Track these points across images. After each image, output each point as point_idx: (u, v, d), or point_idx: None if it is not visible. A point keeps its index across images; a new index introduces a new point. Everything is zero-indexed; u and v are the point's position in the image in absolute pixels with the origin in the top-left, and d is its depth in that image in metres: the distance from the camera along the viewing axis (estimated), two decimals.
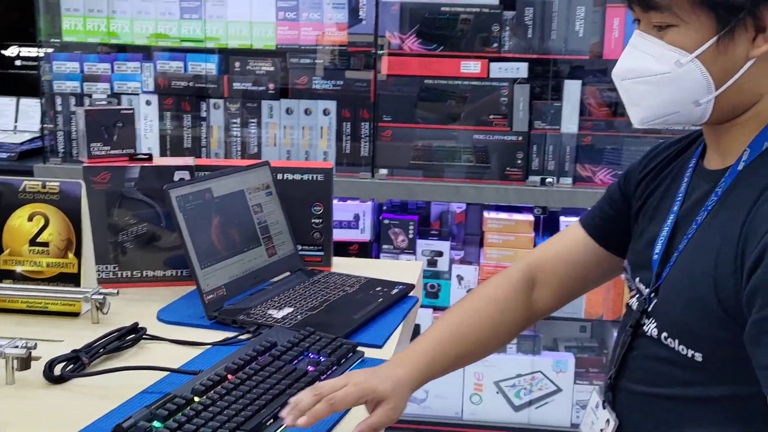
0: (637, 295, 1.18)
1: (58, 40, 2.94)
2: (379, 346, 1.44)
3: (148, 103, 2.91)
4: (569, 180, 2.79)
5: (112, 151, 1.70)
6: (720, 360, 1.03)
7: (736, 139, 1.08)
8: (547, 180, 2.79)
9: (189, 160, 1.75)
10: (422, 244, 2.94)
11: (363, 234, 2.94)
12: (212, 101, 2.90)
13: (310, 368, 1.27)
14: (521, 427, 2.95)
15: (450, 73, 2.79)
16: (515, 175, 2.81)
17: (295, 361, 1.29)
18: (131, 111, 1.73)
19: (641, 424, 1.13)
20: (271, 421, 1.12)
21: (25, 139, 3.12)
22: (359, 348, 1.38)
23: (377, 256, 2.92)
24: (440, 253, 2.93)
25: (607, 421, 1.17)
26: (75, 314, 1.55)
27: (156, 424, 1.07)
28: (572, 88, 2.77)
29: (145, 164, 1.69)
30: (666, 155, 1.24)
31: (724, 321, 1.01)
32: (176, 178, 1.70)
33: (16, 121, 3.25)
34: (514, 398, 2.95)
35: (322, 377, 1.26)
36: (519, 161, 2.81)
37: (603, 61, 2.77)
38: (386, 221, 2.93)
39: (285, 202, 1.78)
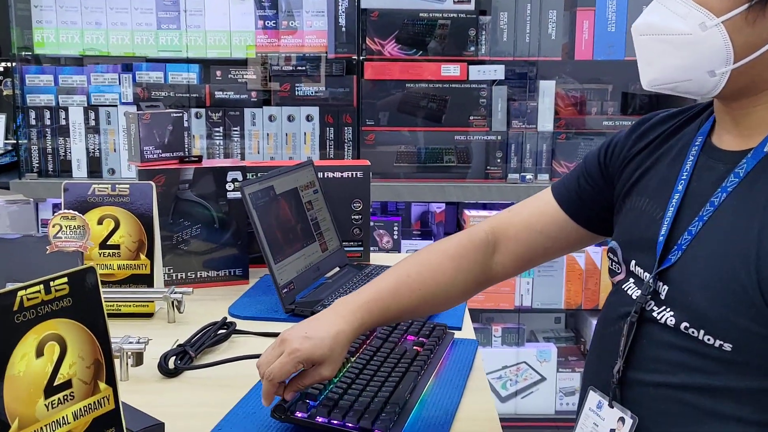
0: (633, 280, 1.09)
1: (30, 53, 2.88)
2: (459, 328, 1.51)
3: (140, 108, 2.87)
4: (546, 176, 2.93)
5: (164, 154, 1.71)
6: (751, 351, 0.94)
7: (760, 121, 1.01)
8: (527, 177, 2.91)
9: (238, 161, 1.77)
10: (406, 244, 3.02)
11: None
12: (194, 110, 2.90)
13: (418, 348, 1.33)
14: (509, 417, 3.05)
15: (430, 76, 2.89)
16: (496, 173, 2.93)
17: (401, 342, 1.35)
18: (181, 114, 1.74)
19: (660, 418, 1.02)
20: (410, 395, 1.17)
21: None
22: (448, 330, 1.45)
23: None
24: None
25: (621, 419, 1.05)
26: (149, 315, 1.55)
27: (310, 401, 1.11)
28: (546, 89, 2.92)
29: (198, 166, 1.71)
30: (663, 130, 1.16)
31: (763, 315, 0.92)
32: (229, 178, 1.72)
33: None
34: (500, 389, 3.06)
35: (432, 355, 1.32)
36: (499, 160, 2.93)
37: (574, 63, 2.92)
38: (372, 223, 2.99)
39: (328, 200, 1.83)
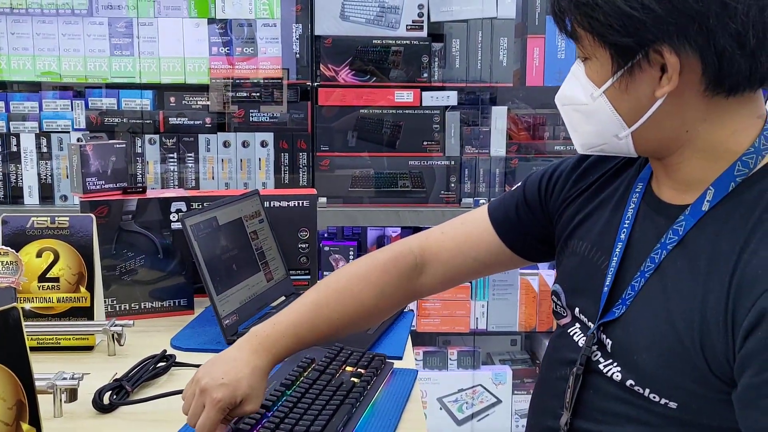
0: (579, 326, 1.10)
1: None
2: (400, 358, 1.52)
3: (79, 140, 2.86)
4: None
5: (107, 185, 1.71)
6: (696, 410, 0.96)
7: (691, 175, 1.01)
8: (480, 201, 2.94)
9: (182, 192, 1.77)
10: None
11: None
12: (148, 137, 2.89)
13: (354, 380, 1.34)
14: None
15: (384, 102, 2.91)
16: (450, 198, 2.95)
17: (339, 374, 1.35)
18: (124, 145, 1.74)
19: None
20: (342, 428, 1.18)
21: None
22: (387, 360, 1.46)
23: None
24: None
25: None
26: (89, 348, 1.55)
27: None
28: (498, 114, 2.95)
29: (142, 197, 1.71)
30: (603, 172, 1.16)
31: (707, 378, 0.93)
32: (173, 209, 1.72)
33: None
34: (456, 413, 3.07)
35: (369, 387, 1.33)
36: (453, 184, 2.95)
37: (525, 88, 2.96)
38: (326, 248, 3.00)
39: (274, 229, 1.83)
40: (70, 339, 1.53)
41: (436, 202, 2.95)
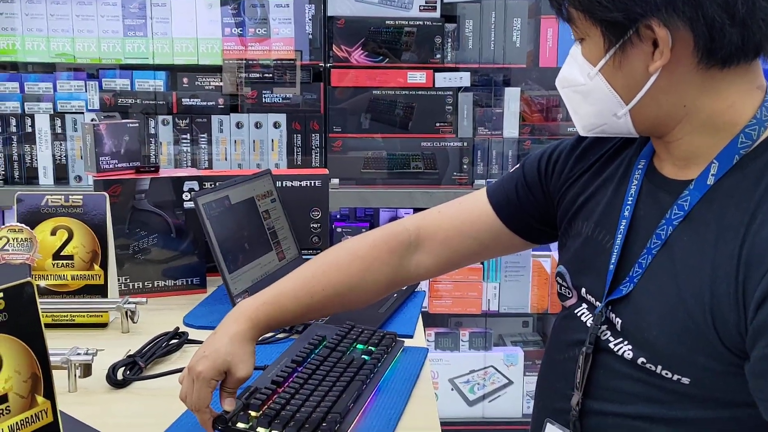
0: (586, 306, 1.09)
1: None
2: (411, 336, 1.53)
3: (93, 120, 2.87)
4: None
5: (120, 164, 1.72)
6: (708, 385, 0.96)
7: (692, 150, 1.01)
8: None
9: (195, 171, 1.78)
10: None
11: None
12: (161, 117, 2.90)
13: (365, 357, 1.34)
14: (476, 421, 3.08)
15: (397, 83, 2.91)
16: (462, 179, 2.95)
17: (350, 352, 1.36)
18: (136, 124, 1.75)
19: None
20: (352, 404, 1.19)
21: None
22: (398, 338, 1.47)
23: None
24: None
25: None
26: (103, 325, 1.56)
27: (251, 413, 1.12)
28: (511, 95, 2.94)
29: (155, 176, 1.72)
30: (603, 152, 1.15)
31: (719, 352, 0.93)
32: (186, 188, 1.73)
33: None
34: (468, 393, 3.08)
35: (379, 365, 1.34)
36: (465, 166, 2.95)
37: (539, 70, 2.95)
38: (339, 229, 3.00)
39: (286, 209, 1.84)
40: (84, 316, 1.55)
41: (449, 184, 2.95)
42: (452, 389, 3.07)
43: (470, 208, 1.25)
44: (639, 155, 1.09)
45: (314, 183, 1.88)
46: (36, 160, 2.89)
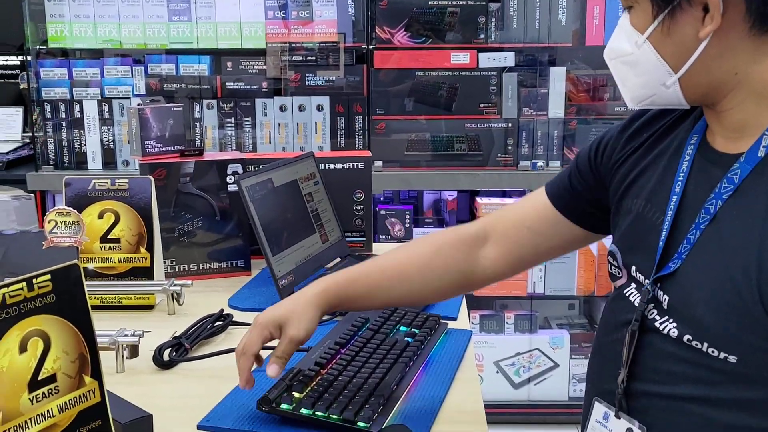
0: (635, 286, 1.07)
1: (44, 47, 2.92)
2: (455, 318, 1.52)
3: (139, 104, 2.91)
4: (558, 163, 2.92)
5: (165, 148, 1.74)
6: (756, 363, 0.93)
7: (744, 120, 0.98)
8: (538, 164, 2.91)
9: (239, 154, 1.79)
10: (418, 233, 3.03)
11: None
12: (205, 102, 2.92)
13: (408, 339, 1.34)
14: (521, 404, 3.06)
15: (440, 64, 2.89)
16: (507, 161, 2.92)
17: (393, 334, 1.36)
18: (180, 108, 1.77)
19: (667, 428, 1.01)
20: (396, 386, 1.19)
21: (10, 148, 3.08)
22: (441, 320, 1.46)
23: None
24: None
25: (629, 430, 1.04)
26: (149, 307, 1.58)
27: (295, 394, 1.13)
28: (557, 75, 2.90)
29: (199, 159, 1.73)
30: (656, 129, 1.13)
31: (766, 330, 0.91)
32: (229, 171, 1.74)
33: None
34: (513, 376, 3.07)
35: (422, 347, 1.34)
36: (510, 147, 2.92)
37: (585, 48, 2.90)
38: (382, 212, 3.00)
39: (329, 191, 1.84)
40: (131, 298, 1.57)
41: (493, 165, 2.92)
42: (497, 372, 3.06)
43: (530, 202, 1.26)
44: (692, 130, 1.06)
45: (357, 165, 1.88)
46: (85, 145, 2.94)
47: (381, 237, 3.01)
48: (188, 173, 1.72)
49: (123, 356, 1.30)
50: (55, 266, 0.97)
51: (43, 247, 1.26)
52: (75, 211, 1.26)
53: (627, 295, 1.07)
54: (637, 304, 1.04)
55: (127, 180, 1.57)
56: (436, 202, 3.14)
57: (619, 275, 1.11)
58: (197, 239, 1.75)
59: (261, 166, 1.70)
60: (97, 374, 1.00)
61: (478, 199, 3.03)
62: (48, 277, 0.95)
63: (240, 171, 1.74)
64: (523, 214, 1.24)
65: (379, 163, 2.91)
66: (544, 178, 2.83)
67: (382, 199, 3.12)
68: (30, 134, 2.98)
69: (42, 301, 0.95)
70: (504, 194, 3.06)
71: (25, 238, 1.29)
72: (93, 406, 1.00)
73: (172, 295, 1.54)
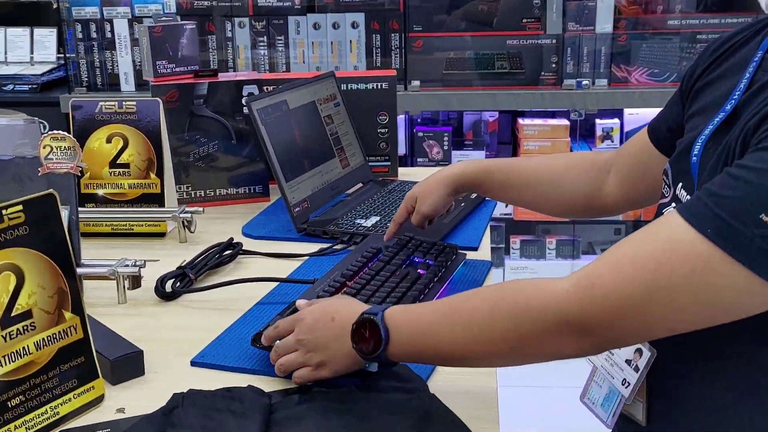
0: (674, 205, 1.00)
1: None
2: (475, 248, 1.44)
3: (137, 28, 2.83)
4: (605, 82, 2.77)
5: (177, 69, 1.66)
6: None
7: None
8: (583, 83, 2.76)
9: (254, 74, 1.71)
10: (457, 155, 2.93)
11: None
12: (237, 20, 2.83)
13: (421, 271, 1.27)
14: None
15: None
16: (550, 80, 2.78)
17: (405, 265, 1.29)
18: (194, 25, 1.68)
19: (675, 353, 0.98)
20: None
21: (45, 70, 3.05)
22: (460, 250, 1.38)
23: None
24: None
25: (638, 350, 1.01)
26: (161, 234, 1.54)
27: None
28: None
29: (213, 80, 1.65)
30: (728, 47, 1.07)
31: None
32: (245, 92, 1.66)
33: (32, 53, 3.17)
34: None
35: (435, 279, 1.26)
36: (553, 65, 2.77)
37: None
38: (420, 134, 2.91)
39: (351, 113, 1.75)
40: (142, 225, 1.52)
41: (536, 84, 2.78)
42: None
43: (635, 137, 1.23)
44: (759, 47, 0.98)
45: (381, 85, 1.78)
46: (117, 66, 2.88)
47: (418, 160, 2.92)
48: (202, 95, 1.65)
49: (124, 287, 1.25)
50: (29, 195, 0.91)
51: (39, 174, 1.21)
52: (70, 135, 1.20)
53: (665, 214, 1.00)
54: None
55: (134, 102, 1.50)
56: (476, 123, 3.02)
57: (666, 195, 1.04)
58: (213, 164, 1.69)
59: (277, 87, 1.61)
60: (78, 309, 0.96)
61: (520, 120, 2.91)
62: (19, 207, 0.90)
63: (256, 92, 1.66)
64: (635, 148, 1.23)
65: (416, 83, 2.80)
66: (589, 98, 2.73)
67: (419, 120, 3.01)
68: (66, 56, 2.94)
69: (13, 234, 0.89)
70: (548, 115, 2.93)
71: (21, 163, 1.24)
72: (75, 342, 0.96)
73: (183, 222, 1.49)
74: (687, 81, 1.11)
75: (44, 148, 1.22)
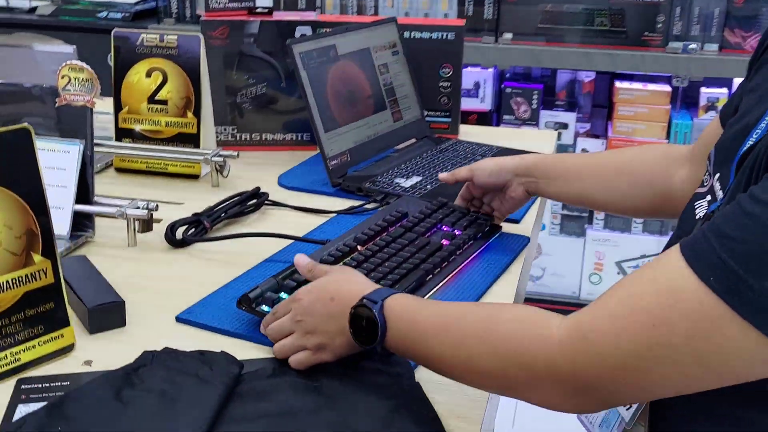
0: (709, 198, 0.91)
1: None
2: (517, 221, 1.32)
3: None
4: (715, 47, 2.53)
5: (231, 4, 1.59)
6: None
7: None
8: (690, 46, 2.53)
9: (310, 15, 1.62)
10: (546, 115, 2.77)
11: (483, 103, 2.78)
12: None
13: (445, 242, 1.17)
14: None
15: None
16: (654, 41, 2.57)
17: (428, 234, 1.19)
18: None
19: None
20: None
21: None
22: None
23: (497, 127, 2.77)
24: (565, 125, 2.75)
25: None
26: (194, 176, 1.49)
27: (283, 295, 1.00)
28: None
29: (265, 18, 1.57)
30: None
31: None
32: (297, 34, 1.58)
33: None
34: None
35: (458, 252, 1.16)
36: (659, 25, 2.56)
37: None
38: (508, 90, 2.76)
39: (411, 63, 1.64)
40: (176, 166, 1.47)
41: (637, 45, 2.58)
42: (618, 273, 2.81)
43: (713, 120, 1.11)
44: None
45: (447, 35, 1.66)
46: None
47: (505, 117, 2.77)
48: (252, 33, 1.57)
49: (134, 229, 1.21)
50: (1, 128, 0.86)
51: (56, 105, 1.16)
52: (88, 67, 1.15)
53: (696, 207, 0.91)
54: (698, 218, 0.88)
55: (176, 36, 1.44)
56: (570, 83, 2.84)
57: (705, 183, 0.93)
58: (260, 107, 1.62)
59: (327, 30, 1.52)
60: (50, 253, 0.91)
61: (617, 83, 2.71)
62: None
63: (309, 33, 1.57)
64: (714, 132, 1.07)
65: (508, 36, 2.64)
66: (695, 64, 2.51)
67: (508, 75, 2.86)
68: None
69: None
70: (648, 79, 2.71)
71: (40, 92, 1.19)
72: (44, 287, 0.91)
73: (216, 166, 1.43)
74: (757, 51, 0.96)
75: (62, 78, 1.17)
